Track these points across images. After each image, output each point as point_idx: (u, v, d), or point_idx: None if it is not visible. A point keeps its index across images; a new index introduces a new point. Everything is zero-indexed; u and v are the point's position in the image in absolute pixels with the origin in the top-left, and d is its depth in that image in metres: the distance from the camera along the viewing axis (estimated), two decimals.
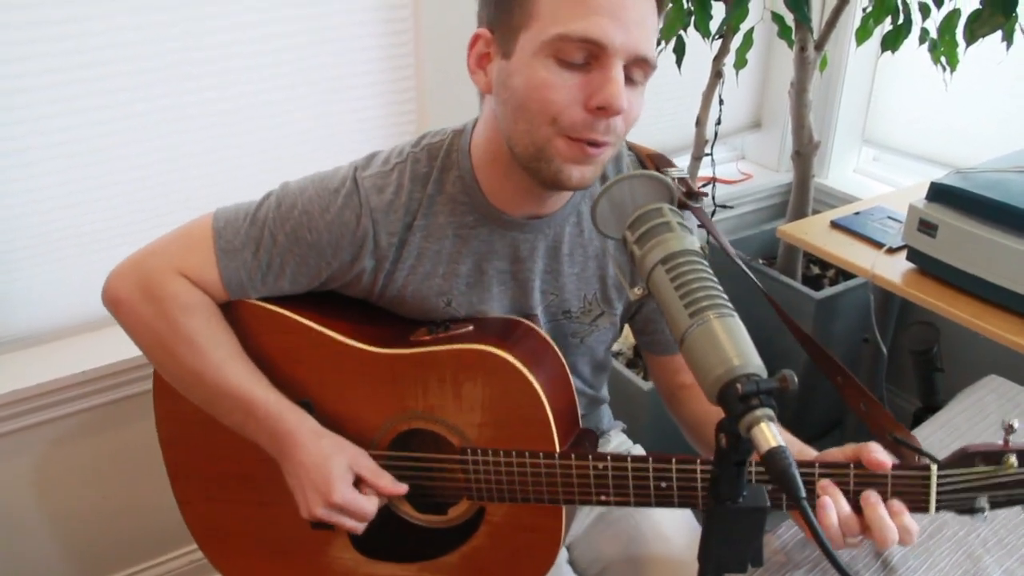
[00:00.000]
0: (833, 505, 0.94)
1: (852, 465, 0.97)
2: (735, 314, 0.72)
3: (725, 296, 0.73)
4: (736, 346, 0.69)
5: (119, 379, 1.73)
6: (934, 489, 0.95)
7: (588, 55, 0.94)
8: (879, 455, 0.95)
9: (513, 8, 0.97)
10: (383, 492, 1.10)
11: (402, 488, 1.11)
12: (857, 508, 0.95)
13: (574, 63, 0.95)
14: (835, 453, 1.01)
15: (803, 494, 0.62)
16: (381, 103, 1.90)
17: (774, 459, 0.62)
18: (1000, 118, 2.34)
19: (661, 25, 1.62)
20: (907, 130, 2.63)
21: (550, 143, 0.98)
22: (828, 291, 2.26)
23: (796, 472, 0.62)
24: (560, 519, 1.11)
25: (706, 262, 0.77)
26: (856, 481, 0.97)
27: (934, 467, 0.95)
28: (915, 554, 1.06)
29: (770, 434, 0.64)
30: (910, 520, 0.94)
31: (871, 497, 0.94)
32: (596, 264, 1.20)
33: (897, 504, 0.94)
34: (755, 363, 0.68)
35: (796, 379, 0.66)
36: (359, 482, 1.10)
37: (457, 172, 1.11)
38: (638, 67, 0.97)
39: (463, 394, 1.10)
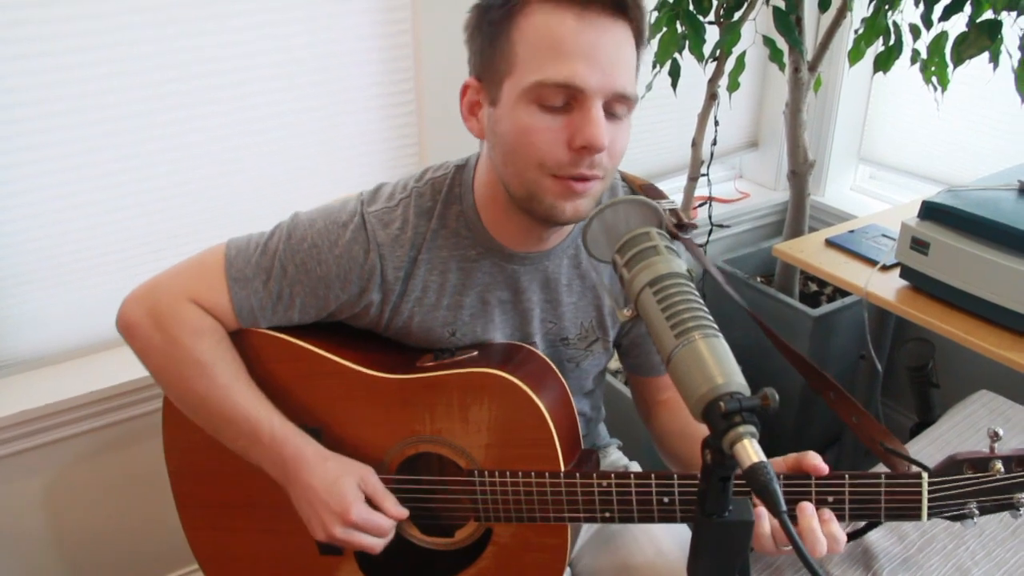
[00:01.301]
0: (765, 515, 0.97)
1: (781, 476, 1.00)
2: (720, 335, 0.74)
3: (710, 317, 0.76)
4: (720, 365, 0.71)
5: (127, 399, 1.75)
6: (925, 497, 0.99)
7: (567, 98, 0.98)
8: (816, 460, 1.00)
9: (496, 58, 1.01)
10: (386, 515, 1.12)
11: (403, 512, 1.13)
12: (793, 517, 0.98)
13: (555, 106, 0.98)
14: (777, 462, 1.03)
15: (783, 508, 0.64)
16: (382, 127, 1.93)
17: (755, 474, 0.65)
18: (995, 135, 2.36)
19: (655, 51, 1.63)
20: (903, 148, 2.66)
21: (539, 184, 1.02)
22: (825, 308, 2.27)
23: (777, 487, 0.64)
24: (565, 537, 1.13)
25: (692, 284, 0.79)
26: (852, 491, 1.00)
27: (925, 475, 0.99)
28: (905, 567, 1.08)
29: (752, 450, 0.66)
30: (838, 529, 0.97)
31: (807, 509, 0.97)
32: (593, 294, 1.23)
33: (827, 512, 0.98)
34: (738, 382, 0.70)
35: (777, 397, 0.68)
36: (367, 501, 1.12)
37: (460, 207, 1.15)
38: (618, 103, 1.01)
39: (470, 417, 1.12)
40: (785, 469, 1.02)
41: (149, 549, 1.95)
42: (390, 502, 1.13)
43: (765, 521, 0.97)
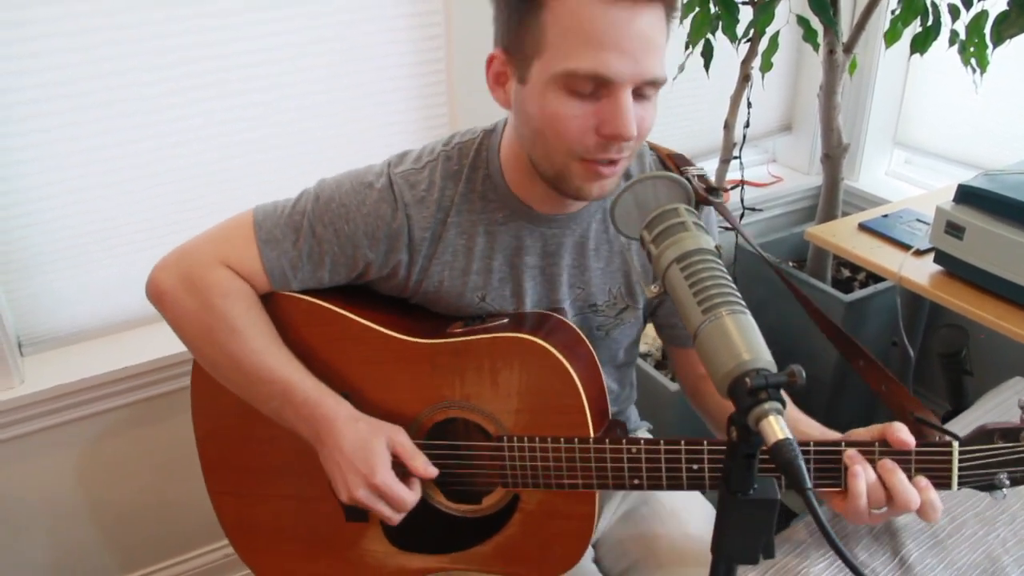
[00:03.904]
0: (863, 473, 0.96)
1: (877, 444, 0.99)
2: (747, 311, 0.74)
3: (738, 293, 0.75)
4: (746, 341, 0.71)
5: (157, 376, 1.78)
6: (956, 465, 0.98)
7: (596, 86, 0.98)
8: (903, 434, 0.98)
9: (525, 38, 1.00)
10: (415, 473, 1.12)
11: (432, 471, 1.13)
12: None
13: (584, 93, 0.98)
14: (861, 432, 1.03)
15: (808, 485, 0.64)
16: (412, 107, 1.93)
17: (780, 451, 0.65)
18: None
19: (687, 31, 1.62)
20: (940, 133, 2.62)
21: (567, 167, 1.03)
22: (857, 294, 2.25)
23: (802, 464, 0.64)
24: (593, 505, 1.13)
25: (720, 261, 0.79)
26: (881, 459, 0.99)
27: (955, 444, 0.98)
28: (933, 552, 1.06)
29: (777, 427, 0.66)
30: (935, 496, 0.96)
31: (887, 463, 0.97)
32: (621, 259, 1.23)
33: (923, 480, 0.97)
34: (765, 358, 0.70)
35: (804, 374, 0.67)
36: (396, 463, 1.12)
37: (487, 170, 1.15)
38: (647, 86, 1.00)
39: (500, 382, 1.12)
40: (868, 438, 1.01)
41: (180, 524, 1.98)
42: (420, 460, 1.12)
43: (862, 480, 0.96)
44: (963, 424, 1.33)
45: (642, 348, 2.27)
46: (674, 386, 2.04)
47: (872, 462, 0.98)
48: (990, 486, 0.99)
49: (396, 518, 1.12)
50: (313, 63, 1.78)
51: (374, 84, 1.87)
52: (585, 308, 1.25)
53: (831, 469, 1.00)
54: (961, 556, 1.07)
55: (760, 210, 2.61)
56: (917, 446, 0.98)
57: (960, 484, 0.99)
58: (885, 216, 2.12)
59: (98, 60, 1.56)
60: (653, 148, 1.24)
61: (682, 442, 1.04)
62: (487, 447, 1.14)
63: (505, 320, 1.18)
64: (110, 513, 1.89)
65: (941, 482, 0.98)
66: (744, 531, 0.76)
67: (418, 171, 1.15)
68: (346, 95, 1.85)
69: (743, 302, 0.75)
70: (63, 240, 1.68)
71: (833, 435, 1.08)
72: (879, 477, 0.97)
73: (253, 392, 1.17)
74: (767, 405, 0.66)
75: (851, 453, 0.98)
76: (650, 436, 1.49)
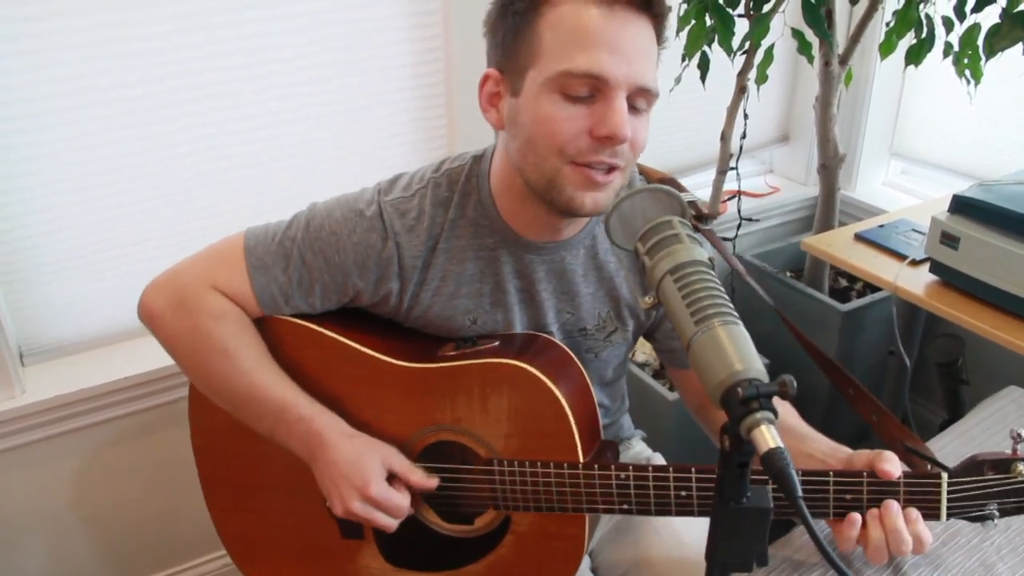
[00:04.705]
0: (856, 523, 0.98)
1: (865, 474, 0.99)
2: (739, 322, 0.75)
3: (731, 305, 0.76)
4: (739, 352, 0.71)
5: (157, 386, 1.78)
6: (944, 497, 0.98)
7: (592, 88, 0.99)
8: (888, 466, 0.98)
9: (520, 49, 1.02)
10: (415, 486, 1.13)
11: (433, 481, 1.14)
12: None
13: (579, 96, 0.99)
14: (851, 459, 1.04)
15: (799, 493, 0.65)
16: (413, 118, 1.95)
17: (772, 460, 0.65)
18: None
19: (684, 44, 1.63)
20: (936, 143, 2.63)
21: (559, 173, 1.03)
22: (854, 303, 2.26)
23: (793, 472, 0.65)
24: (583, 527, 1.14)
25: (713, 272, 0.80)
26: (869, 491, 1.00)
27: (944, 475, 0.98)
28: (928, 560, 1.07)
29: (769, 436, 0.66)
30: (924, 529, 0.97)
31: (892, 506, 0.97)
32: (609, 285, 1.24)
33: (913, 512, 0.98)
34: (756, 368, 0.70)
35: (795, 384, 0.68)
36: (392, 479, 1.13)
37: (477, 197, 1.16)
38: (640, 96, 1.02)
39: (489, 406, 1.13)
40: (857, 466, 1.02)
41: (179, 534, 1.99)
42: (418, 474, 1.14)
43: (855, 526, 0.98)
44: (956, 434, 1.34)
45: (640, 358, 2.28)
46: (671, 396, 2.04)
47: (859, 491, 0.99)
48: (980, 517, 0.98)
49: (393, 525, 1.13)
50: (319, 75, 1.79)
51: (378, 97, 1.88)
52: (575, 332, 1.26)
53: (820, 500, 1.01)
54: (956, 563, 1.07)
55: (757, 220, 2.63)
56: (906, 476, 0.98)
57: (949, 515, 0.99)
58: (881, 226, 2.13)
59: (100, 72, 1.57)
60: (644, 172, 1.25)
61: (670, 469, 1.05)
62: (478, 470, 1.15)
63: (496, 343, 1.18)
64: (109, 523, 1.90)
65: (930, 513, 0.99)
66: (738, 539, 0.76)
67: (408, 199, 1.15)
68: (351, 107, 1.86)
69: (735, 313, 0.75)
70: (66, 250, 1.69)
71: (843, 450, 1.09)
72: (880, 522, 0.98)
73: (246, 412, 1.18)
74: (759, 415, 0.67)
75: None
76: (643, 444, 1.51)
